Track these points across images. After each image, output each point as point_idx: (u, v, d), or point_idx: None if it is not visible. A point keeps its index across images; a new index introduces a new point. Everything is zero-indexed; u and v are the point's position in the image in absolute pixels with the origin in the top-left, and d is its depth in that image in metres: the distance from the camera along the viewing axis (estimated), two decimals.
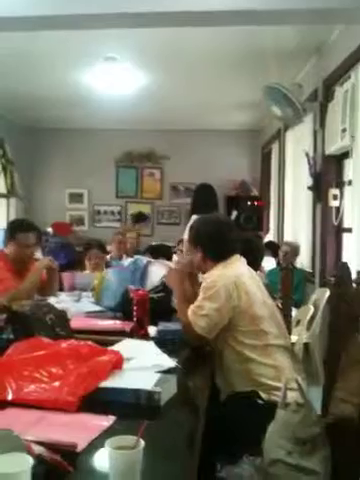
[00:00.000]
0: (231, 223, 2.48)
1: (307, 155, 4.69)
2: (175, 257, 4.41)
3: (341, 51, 3.96)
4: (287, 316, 3.34)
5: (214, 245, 2.31)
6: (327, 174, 4.49)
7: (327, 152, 4.38)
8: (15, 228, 3.18)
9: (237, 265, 2.28)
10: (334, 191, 4.31)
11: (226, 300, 2.11)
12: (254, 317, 2.13)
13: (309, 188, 4.81)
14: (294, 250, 5.21)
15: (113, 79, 5.27)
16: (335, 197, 4.30)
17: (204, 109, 6.87)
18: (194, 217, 3.50)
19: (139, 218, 7.70)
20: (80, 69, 5.24)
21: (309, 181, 4.78)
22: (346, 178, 4.35)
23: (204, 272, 2.37)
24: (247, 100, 6.22)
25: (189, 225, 2.98)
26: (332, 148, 4.18)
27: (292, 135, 5.86)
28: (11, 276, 3.02)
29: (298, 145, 5.49)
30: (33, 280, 3.05)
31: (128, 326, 2.39)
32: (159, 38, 4.22)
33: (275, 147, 6.95)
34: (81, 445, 1.16)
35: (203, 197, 4.44)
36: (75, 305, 2.92)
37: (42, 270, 3.14)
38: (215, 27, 3.76)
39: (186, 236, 3.56)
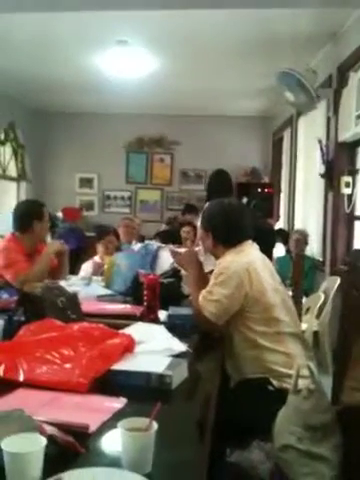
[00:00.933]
0: (244, 209, 2.45)
1: (320, 142, 4.64)
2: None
3: (356, 37, 3.89)
4: (298, 303, 3.32)
5: (224, 230, 2.28)
6: (339, 161, 4.45)
7: (340, 139, 4.33)
8: (32, 215, 3.15)
9: (249, 251, 2.26)
10: (346, 179, 4.27)
11: (237, 287, 2.09)
12: (266, 304, 2.11)
13: (321, 175, 4.76)
14: (305, 238, 5.18)
15: (125, 63, 5.22)
16: (347, 185, 4.26)
17: (216, 95, 6.80)
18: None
19: (189, 209, 7.60)
20: (92, 52, 5.20)
21: (321, 168, 4.73)
22: (359, 165, 4.30)
23: (217, 257, 2.35)
24: (259, 86, 6.16)
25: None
26: (345, 135, 4.14)
27: (305, 122, 5.80)
28: (23, 258, 3.02)
29: (311, 132, 5.43)
30: (44, 263, 3.05)
31: (138, 310, 2.39)
32: (171, 22, 4.18)
33: (287, 134, 6.89)
34: (93, 426, 1.15)
35: (217, 183, 4.41)
36: (85, 289, 2.92)
37: (52, 254, 3.15)
38: (228, 12, 3.72)
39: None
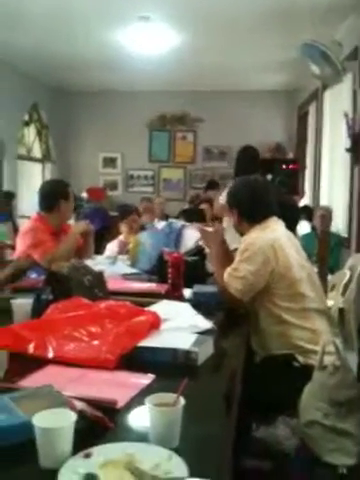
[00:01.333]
0: (268, 185, 2.44)
1: (346, 116, 4.53)
2: None
3: None
4: (324, 280, 3.30)
5: (249, 207, 2.29)
6: None
7: None
8: (58, 195, 3.16)
9: (275, 227, 2.25)
10: None
11: (263, 263, 2.09)
12: (292, 280, 2.11)
13: (347, 150, 4.66)
14: (329, 214, 5.11)
15: (146, 39, 5.17)
16: None
17: (238, 69, 6.70)
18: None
19: (212, 186, 7.55)
20: (113, 28, 5.16)
21: (347, 143, 4.64)
22: None
23: (242, 234, 2.34)
24: (283, 59, 6.03)
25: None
26: None
27: (331, 95, 5.67)
28: (50, 238, 3.06)
29: (337, 105, 5.31)
30: (70, 243, 3.08)
31: (163, 288, 2.41)
32: None
33: (312, 108, 6.75)
34: (121, 402, 1.18)
35: (245, 159, 4.36)
36: (111, 268, 2.95)
37: (78, 234, 3.17)
38: None
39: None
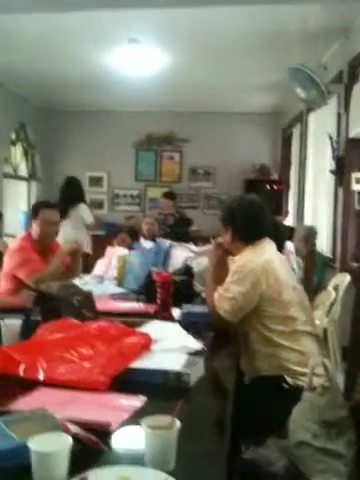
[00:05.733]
0: (264, 206, 2.43)
1: (330, 138, 4.63)
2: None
3: None
4: (310, 299, 3.33)
5: (244, 226, 2.27)
6: (350, 158, 4.43)
7: (351, 135, 4.32)
8: (39, 206, 3.21)
9: (267, 249, 2.25)
10: (357, 175, 4.26)
11: (253, 285, 2.09)
12: (283, 303, 2.11)
13: (331, 172, 4.75)
14: (314, 234, 5.15)
15: (135, 61, 5.24)
16: (358, 181, 4.25)
17: (225, 91, 6.81)
18: None
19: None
20: (102, 50, 5.22)
21: (331, 164, 4.72)
22: None
23: (233, 254, 2.34)
24: (269, 82, 6.15)
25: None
26: (356, 131, 4.12)
27: (315, 117, 5.79)
28: (37, 257, 3.05)
29: (321, 128, 5.42)
30: (58, 263, 3.08)
31: (152, 308, 2.41)
32: (182, 20, 4.18)
33: (297, 130, 6.87)
34: (114, 425, 1.17)
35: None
36: (98, 287, 2.94)
37: (66, 254, 3.17)
38: (238, 7, 3.70)
39: None
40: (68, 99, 7.50)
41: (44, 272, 2.95)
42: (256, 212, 2.31)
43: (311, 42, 4.57)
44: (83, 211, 5.71)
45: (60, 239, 4.89)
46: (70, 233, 5.30)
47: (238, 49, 5.09)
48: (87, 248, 5.47)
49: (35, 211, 3.16)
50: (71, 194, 5.73)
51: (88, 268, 4.03)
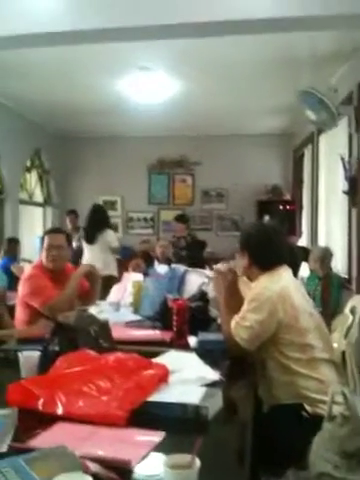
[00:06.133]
0: (282, 234, 2.42)
1: (342, 159, 4.63)
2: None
3: None
4: (327, 323, 3.30)
5: (262, 253, 2.27)
6: None
7: None
8: (44, 233, 3.28)
9: (283, 276, 2.25)
10: None
11: (270, 313, 2.09)
12: (300, 330, 2.10)
13: (344, 192, 4.74)
14: (330, 256, 5.12)
15: (146, 88, 5.33)
16: None
17: (235, 114, 6.87)
18: None
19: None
20: (114, 78, 5.32)
21: (344, 185, 4.72)
22: None
23: (251, 279, 2.35)
24: (279, 104, 6.20)
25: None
26: None
27: (326, 138, 5.80)
28: (49, 284, 3.04)
29: (332, 149, 5.43)
30: (71, 289, 3.05)
31: (168, 336, 2.41)
32: (190, 47, 4.26)
33: (308, 151, 6.89)
34: (134, 461, 1.17)
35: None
36: (114, 314, 2.95)
37: (81, 277, 3.16)
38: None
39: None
40: (81, 126, 7.63)
41: (58, 298, 2.94)
42: (272, 239, 2.31)
43: (320, 64, 4.62)
44: (109, 236, 5.96)
45: (87, 262, 4.98)
46: (98, 257, 5.62)
47: (247, 74, 5.16)
48: (113, 271, 5.80)
49: (42, 238, 3.20)
50: (98, 220, 5.95)
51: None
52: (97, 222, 5.94)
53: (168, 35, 3.20)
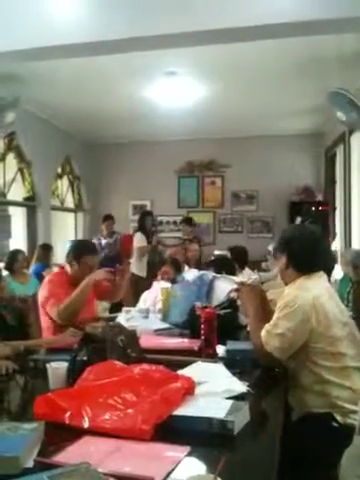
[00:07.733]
0: (323, 240, 2.37)
1: None
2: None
3: None
4: None
5: (300, 256, 2.23)
6: None
7: None
8: (82, 249, 3.17)
9: (318, 282, 2.20)
10: None
11: (303, 322, 2.04)
12: (333, 339, 2.05)
13: None
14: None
15: (174, 92, 5.35)
16: None
17: (265, 116, 6.81)
18: None
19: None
20: (141, 84, 5.35)
21: None
22: None
23: (284, 280, 2.31)
24: (309, 105, 6.12)
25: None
26: None
27: (358, 138, 5.69)
28: (64, 291, 2.98)
29: None
30: (80, 294, 2.94)
31: (196, 344, 2.40)
32: (218, 51, 4.23)
33: (340, 150, 6.77)
34: (158, 478, 1.17)
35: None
36: (143, 322, 2.96)
37: (88, 285, 3.00)
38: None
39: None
40: (110, 132, 7.70)
41: (66, 302, 2.88)
42: (314, 244, 2.26)
43: (350, 65, 4.53)
44: (136, 237, 6.56)
45: None
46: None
47: (275, 76, 5.11)
48: (141, 272, 6.31)
49: (79, 253, 3.12)
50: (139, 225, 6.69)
51: (139, 292, 4.15)
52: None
53: (194, 42, 3.20)
